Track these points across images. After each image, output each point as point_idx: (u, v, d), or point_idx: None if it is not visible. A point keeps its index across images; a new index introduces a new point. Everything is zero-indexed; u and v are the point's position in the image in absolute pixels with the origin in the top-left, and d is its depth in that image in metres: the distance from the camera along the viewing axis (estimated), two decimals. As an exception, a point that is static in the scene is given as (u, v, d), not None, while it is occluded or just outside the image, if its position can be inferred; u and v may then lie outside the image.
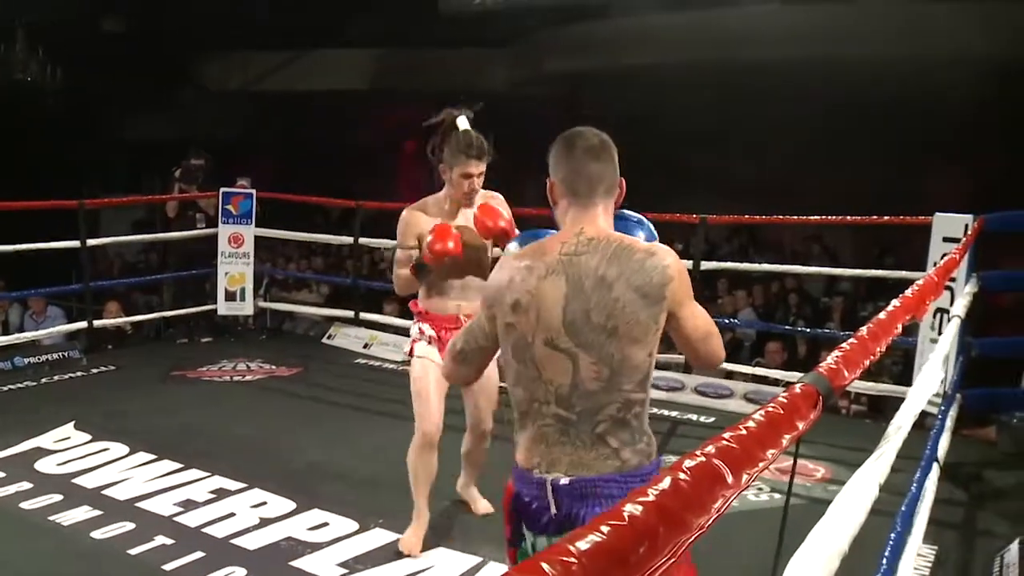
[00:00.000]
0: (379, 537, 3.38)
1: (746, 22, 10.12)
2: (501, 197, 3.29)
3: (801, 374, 4.81)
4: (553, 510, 1.76)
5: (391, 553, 3.26)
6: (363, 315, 6.50)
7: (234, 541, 3.33)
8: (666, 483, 0.67)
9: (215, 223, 6.73)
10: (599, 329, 1.70)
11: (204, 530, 3.47)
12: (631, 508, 0.60)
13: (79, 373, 5.89)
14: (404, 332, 6.59)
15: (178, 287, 7.17)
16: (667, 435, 4.90)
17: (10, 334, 6.82)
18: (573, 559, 0.53)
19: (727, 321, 7.48)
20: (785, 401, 1.01)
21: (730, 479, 0.76)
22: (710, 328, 1.84)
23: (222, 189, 6.69)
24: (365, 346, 6.51)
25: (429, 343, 3.26)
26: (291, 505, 3.66)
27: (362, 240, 6.70)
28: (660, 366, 6.09)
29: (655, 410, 5.27)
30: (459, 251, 3.02)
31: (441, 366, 2.27)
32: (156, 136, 11.51)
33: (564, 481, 1.75)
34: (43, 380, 5.68)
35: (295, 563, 3.20)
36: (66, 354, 6.13)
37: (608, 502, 1.71)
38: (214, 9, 10.76)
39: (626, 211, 1.99)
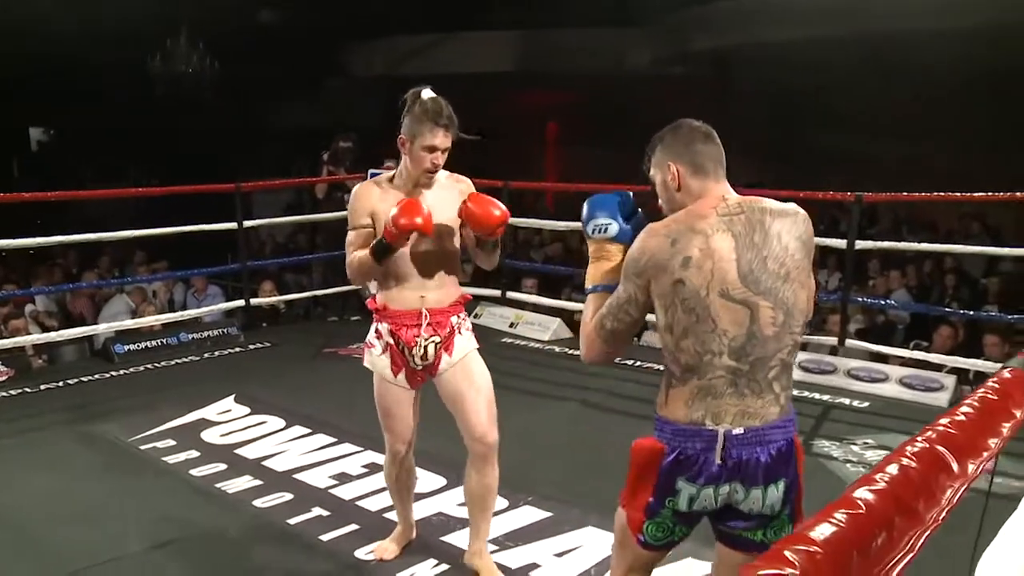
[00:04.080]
0: (529, 514, 3.40)
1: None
2: (469, 181, 2.87)
3: (962, 358, 4.51)
4: (717, 460, 1.82)
5: (541, 530, 3.27)
6: (509, 294, 6.54)
7: (387, 515, 3.40)
8: (895, 469, 0.63)
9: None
10: (775, 275, 1.83)
11: (358, 503, 3.57)
12: (864, 494, 0.57)
13: (237, 349, 6.18)
14: (551, 312, 6.63)
15: (328, 267, 7.41)
16: (819, 419, 4.72)
17: (175, 311, 7.23)
18: (816, 548, 0.49)
19: (882, 303, 7.17)
20: (996, 387, 0.94)
21: (955, 467, 0.71)
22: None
23: (370, 170, 6.84)
24: (511, 325, 6.55)
25: (383, 351, 2.82)
26: (442, 481, 3.72)
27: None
28: (810, 348, 5.89)
29: (805, 393, 5.11)
30: (429, 228, 2.59)
31: (582, 351, 2.06)
32: (304, 122, 11.92)
33: (738, 431, 1.82)
34: (205, 355, 5.99)
35: (446, 538, 3.25)
36: (225, 331, 6.44)
37: (772, 447, 1.83)
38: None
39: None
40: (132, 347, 5.91)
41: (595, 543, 3.15)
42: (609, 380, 5.11)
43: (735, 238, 1.83)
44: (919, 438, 0.73)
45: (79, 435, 4.40)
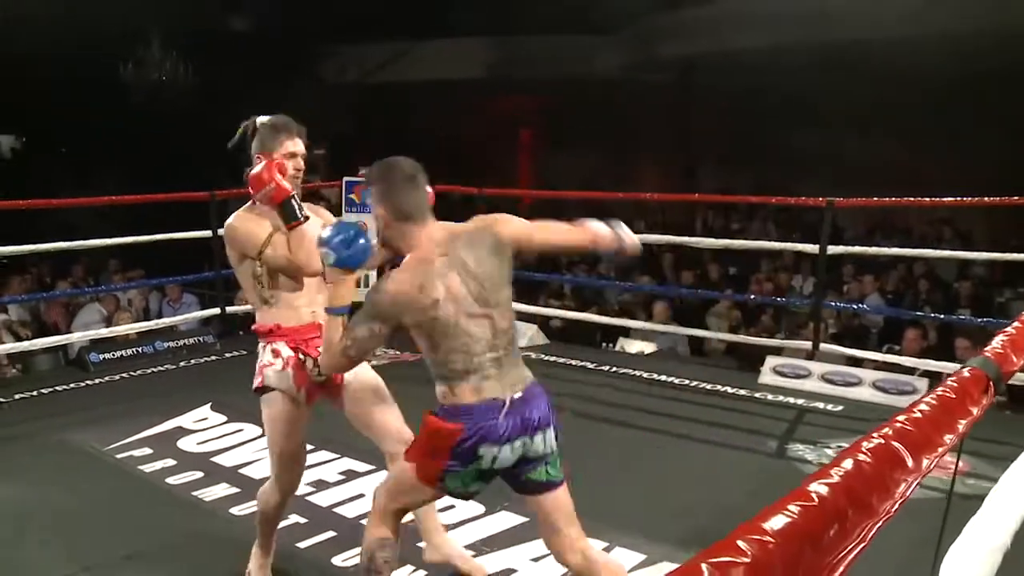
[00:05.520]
0: (506, 519, 3.42)
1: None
2: (328, 212, 2.86)
3: (934, 361, 4.55)
4: (534, 414, 2.26)
5: (517, 536, 3.29)
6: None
7: (364, 522, 3.41)
8: (849, 464, 0.66)
9: (338, 212, 6.89)
10: (492, 288, 2.25)
11: (335, 510, 3.59)
12: (818, 488, 0.59)
13: (213, 357, 6.15)
14: (527, 318, 6.64)
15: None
16: (794, 423, 4.77)
17: (150, 320, 7.18)
18: (769, 538, 0.52)
19: (854, 307, 7.25)
20: (955, 385, 0.96)
21: (910, 463, 0.73)
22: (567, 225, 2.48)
23: (345, 178, 6.84)
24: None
25: (284, 367, 2.73)
26: (419, 487, 3.72)
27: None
28: (786, 353, 5.94)
29: (780, 398, 5.16)
30: (286, 190, 2.65)
31: (326, 364, 2.32)
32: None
33: (518, 395, 2.25)
34: (181, 363, 5.96)
35: (423, 544, 3.26)
36: (201, 339, 6.41)
37: (539, 401, 2.30)
38: (334, 6, 11.03)
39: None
40: (108, 356, 5.87)
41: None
42: (585, 386, 5.13)
43: (459, 272, 2.22)
44: (875, 434, 0.76)
45: (54, 445, 4.37)
